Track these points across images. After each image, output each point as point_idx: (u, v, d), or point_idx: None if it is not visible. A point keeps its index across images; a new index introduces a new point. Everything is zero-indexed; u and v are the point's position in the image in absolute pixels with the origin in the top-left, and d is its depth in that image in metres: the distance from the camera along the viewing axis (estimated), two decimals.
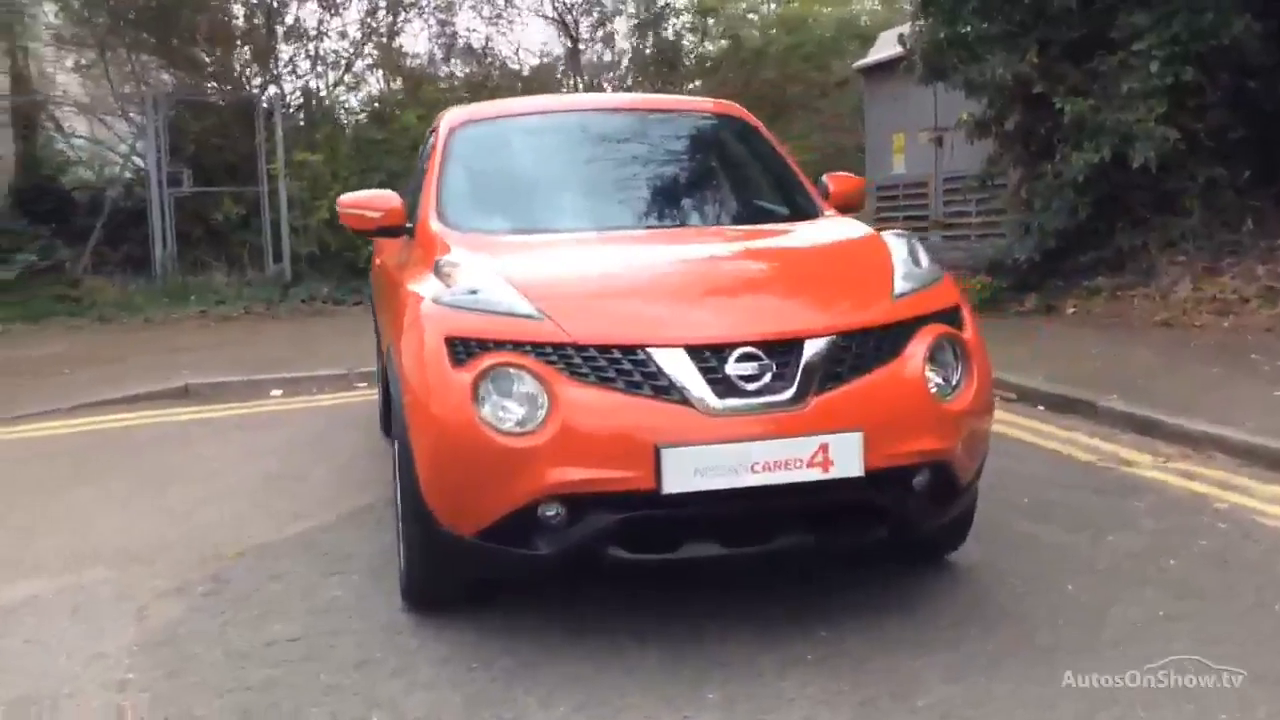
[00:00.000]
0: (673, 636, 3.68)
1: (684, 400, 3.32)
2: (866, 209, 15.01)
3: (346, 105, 15.49)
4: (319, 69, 15.10)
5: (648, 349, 3.36)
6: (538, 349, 3.41)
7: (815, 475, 3.34)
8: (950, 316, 3.77)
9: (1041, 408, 7.02)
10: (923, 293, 3.76)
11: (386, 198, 4.58)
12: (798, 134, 15.93)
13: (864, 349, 3.51)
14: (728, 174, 4.93)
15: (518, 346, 3.42)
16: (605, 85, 15.30)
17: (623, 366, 3.36)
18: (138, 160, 13.87)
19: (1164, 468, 5.57)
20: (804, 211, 4.63)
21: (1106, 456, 5.83)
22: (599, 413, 3.32)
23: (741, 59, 15.26)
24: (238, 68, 14.57)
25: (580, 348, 3.39)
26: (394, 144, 13.51)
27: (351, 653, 3.67)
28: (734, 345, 3.38)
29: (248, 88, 14.49)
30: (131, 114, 13.69)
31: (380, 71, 15.85)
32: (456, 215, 4.46)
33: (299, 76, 14.92)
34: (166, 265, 13.19)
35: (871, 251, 3.98)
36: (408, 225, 4.60)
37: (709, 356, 3.37)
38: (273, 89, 14.42)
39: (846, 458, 3.35)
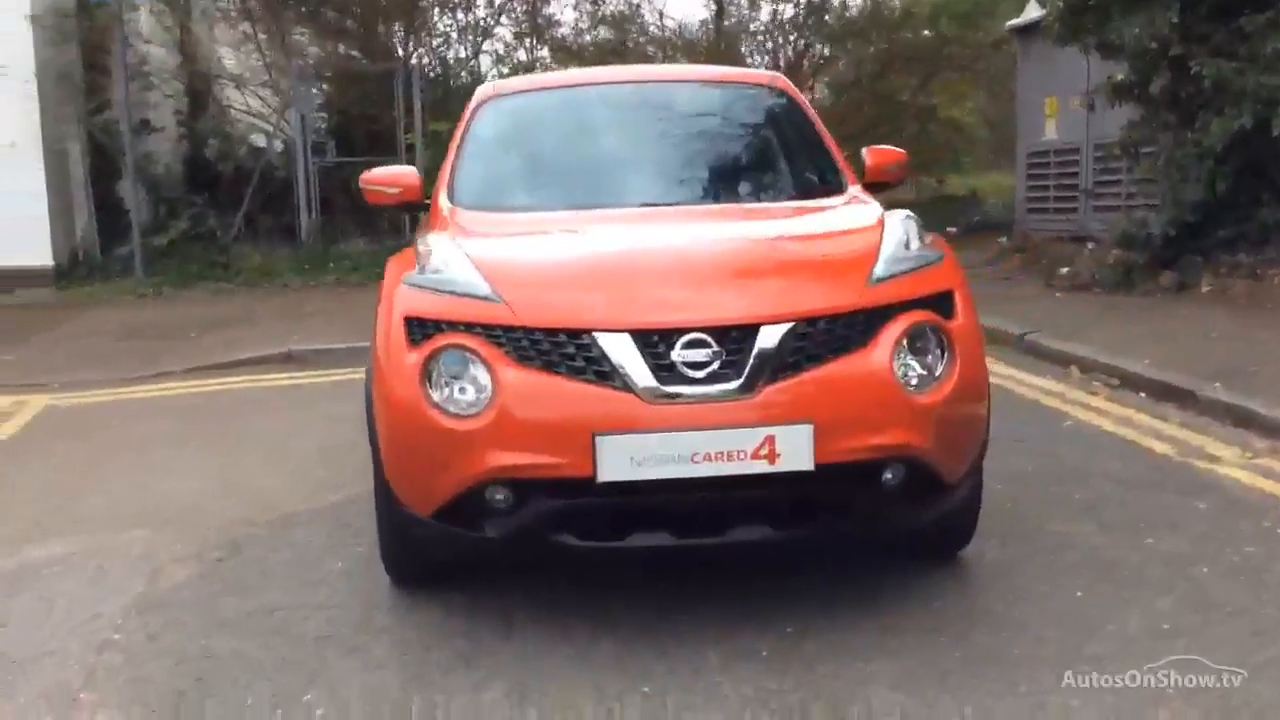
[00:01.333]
0: (632, 625, 3.61)
1: (626, 387, 3.22)
2: (1016, 176, 14.55)
3: (491, 75, 15.68)
4: (466, 38, 15.36)
5: (593, 334, 3.28)
6: (488, 331, 3.37)
7: (761, 468, 3.20)
8: (938, 302, 3.54)
9: (1143, 395, 6.59)
10: (906, 277, 3.55)
11: (406, 174, 4.61)
12: (951, 97, 15.35)
13: (827, 337, 3.34)
14: (751, 149, 4.76)
15: (470, 328, 3.39)
16: (744, 51, 15.05)
17: (567, 351, 3.29)
18: (286, 131, 14.39)
19: (1247, 464, 5.16)
20: (824, 189, 4.44)
21: (1188, 450, 5.42)
22: (539, 397, 3.27)
23: (888, 19, 14.75)
24: (385, 38, 14.89)
25: (528, 331, 3.33)
26: None
27: (320, 628, 3.73)
28: (682, 331, 3.27)
29: (394, 58, 14.82)
30: (281, 85, 14.20)
31: (528, 41, 16.01)
32: (467, 191, 4.45)
33: (447, 46, 15.19)
34: (310, 233, 13.67)
35: (861, 233, 3.77)
36: (425, 201, 4.62)
37: (657, 342, 3.26)
38: (417, 59, 14.71)
39: (794, 450, 3.21)
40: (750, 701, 3.13)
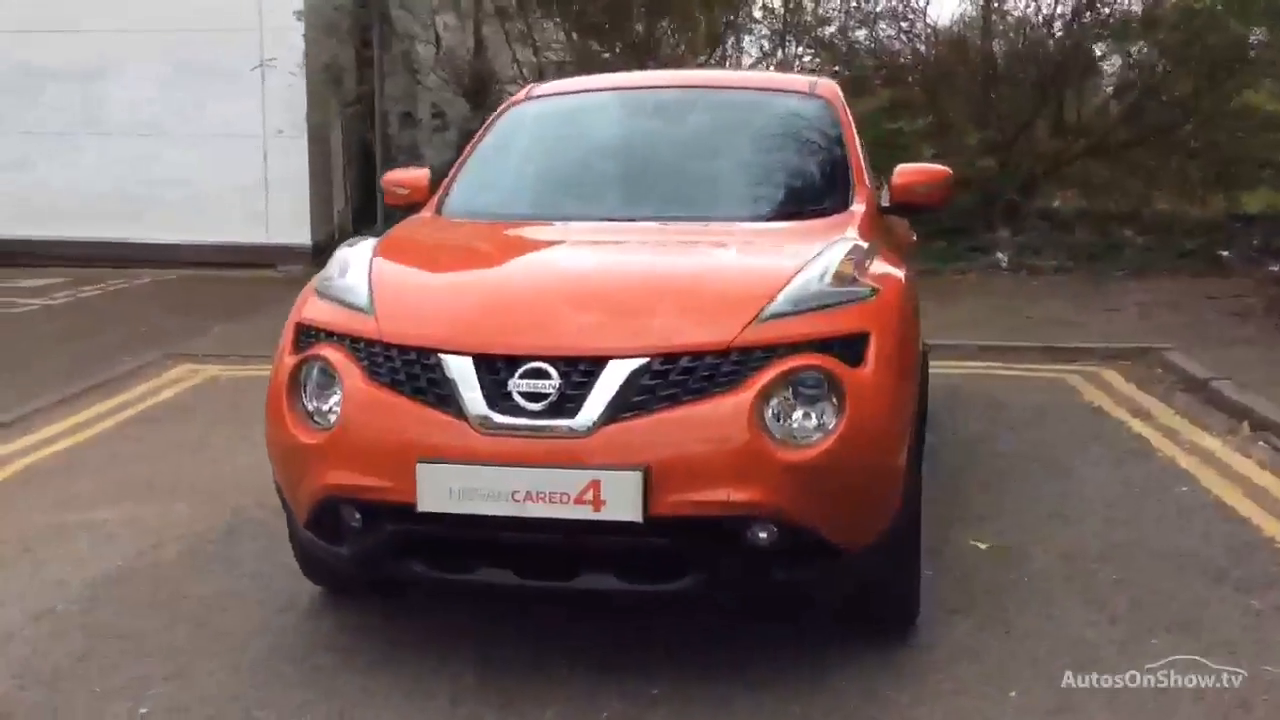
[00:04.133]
0: (500, 664, 3.45)
1: (461, 414, 3.07)
2: None
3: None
4: (727, 36, 15.16)
5: (440, 355, 3.14)
6: (353, 344, 3.30)
7: (585, 514, 2.97)
8: (843, 346, 3.15)
9: None
10: (805, 316, 3.17)
11: (417, 175, 4.60)
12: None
13: (686, 376, 3.04)
14: (753, 163, 4.40)
15: (341, 339, 3.34)
16: (1000, 48, 14.02)
17: (414, 371, 3.17)
18: None
19: None
20: (818, 208, 4.05)
21: None
22: (375, 417, 3.17)
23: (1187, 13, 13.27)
24: (640, 35, 14.92)
25: (385, 347, 3.24)
26: None
27: (227, 621, 3.80)
28: (522, 359, 3.07)
29: (646, 55, 14.87)
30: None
31: (794, 44, 15.63)
32: (455, 195, 4.41)
33: (699, 42, 15.03)
34: None
35: (787, 263, 3.41)
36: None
37: (500, 369, 3.08)
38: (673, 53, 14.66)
39: (621, 498, 2.95)
40: None
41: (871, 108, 12.54)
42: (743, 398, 3.01)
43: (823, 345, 3.13)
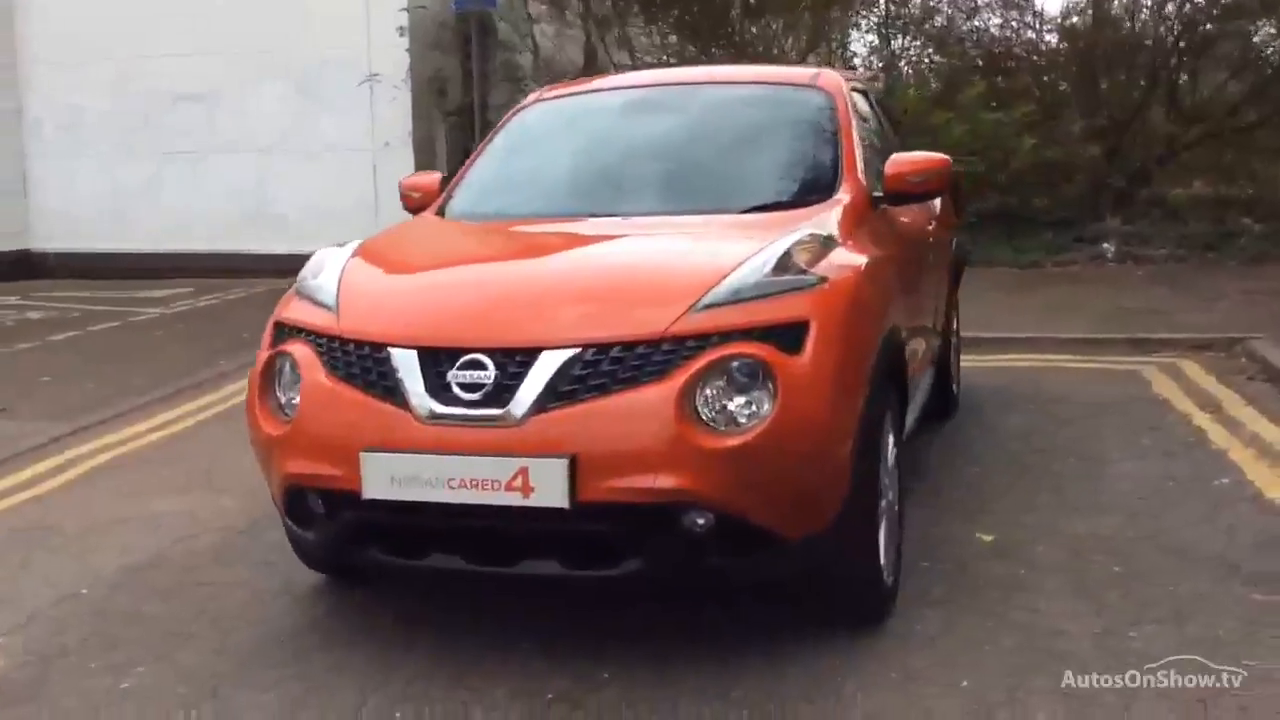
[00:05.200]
0: (479, 643, 3.59)
1: (405, 405, 3.19)
2: None
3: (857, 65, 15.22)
4: (827, 33, 15.01)
5: (388, 348, 3.27)
6: (317, 340, 3.46)
7: (514, 500, 3.06)
8: (781, 334, 3.15)
9: None
10: (742, 305, 3.19)
11: (429, 179, 4.74)
12: None
13: (617, 366, 3.10)
14: (745, 156, 4.37)
15: (309, 335, 3.50)
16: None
17: (366, 364, 3.31)
18: None
19: None
20: (805, 200, 4.03)
21: None
22: (327, 408, 3.32)
23: None
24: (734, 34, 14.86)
25: (343, 342, 3.39)
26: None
27: (226, 606, 4.00)
28: (461, 351, 3.18)
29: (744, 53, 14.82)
30: None
31: (900, 37, 15.40)
32: (461, 197, 4.54)
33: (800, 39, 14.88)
34: None
35: (730, 252, 3.42)
36: None
37: (442, 360, 3.19)
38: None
39: (548, 485, 3.03)
40: None
41: (970, 97, 12.33)
42: (670, 386, 3.05)
43: (762, 334, 3.15)
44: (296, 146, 13.56)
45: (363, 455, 3.16)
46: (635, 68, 13.58)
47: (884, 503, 3.62)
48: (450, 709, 3.20)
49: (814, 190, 4.10)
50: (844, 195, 4.05)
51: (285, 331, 3.60)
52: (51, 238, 14.64)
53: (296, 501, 3.48)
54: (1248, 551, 4.13)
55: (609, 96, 4.96)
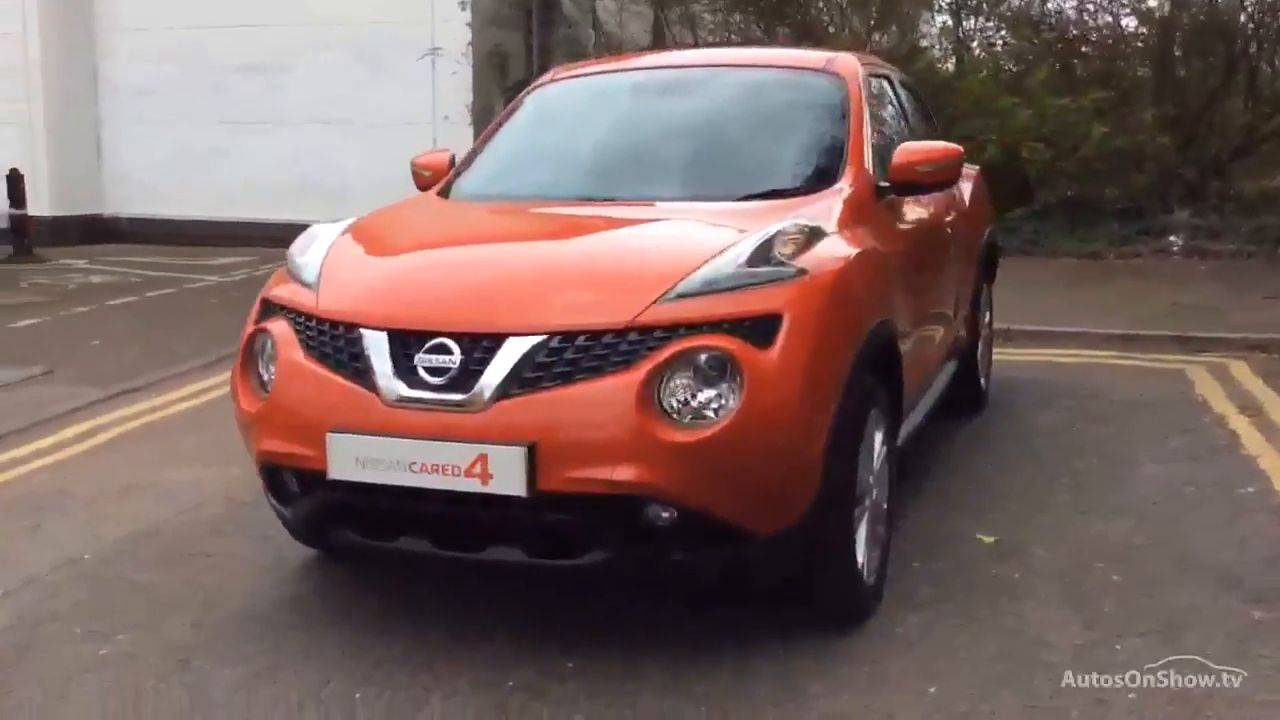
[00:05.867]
0: (450, 629, 3.58)
1: (373, 386, 3.18)
2: None
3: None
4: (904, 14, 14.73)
5: (360, 329, 3.26)
6: (297, 318, 3.47)
7: (474, 486, 3.04)
8: (751, 327, 3.09)
9: None
10: (713, 296, 3.13)
11: (439, 158, 4.72)
12: None
13: (581, 355, 3.06)
14: (747, 142, 4.27)
15: (290, 313, 3.51)
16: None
17: (339, 344, 3.31)
18: None
19: None
20: (803, 188, 3.94)
21: None
22: (300, 388, 3.33)
23: None
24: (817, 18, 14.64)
25: (319, 321, 3.39)
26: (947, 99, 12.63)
27: (216, 578, 4.04)
28: (429, 334, 3.16)
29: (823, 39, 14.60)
30: None
31: (974, 18, 15.05)
32: (467, 177, 4.52)
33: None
34: None
35: (709, 241, 3.36)
36: None
37: (411, 343, 3.18)
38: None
39: (507, 473, 3.01)
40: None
41: (1038, 81, 12.03)
42: (633, 377, 3.00)
43: (732, 326, 3.08)
44: (358, 118, 13.67)
45: (329, 436, 3.17)
46: (696, 46, 13.48)
47: (867, 501, 3.54)
48: (411, 694, 3.20)
49: (815, 178, 4.00)
50: (846, 184, 3.95)
51: (270, 308, 3.61)
52: (123, 203, 14.96)
53: (274, 479, 3.50)
54: (1257, 565, 3.98)
55: (620, 78, 4.90)
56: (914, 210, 4.43)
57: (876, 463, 3.65)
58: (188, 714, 3.14)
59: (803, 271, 3.24)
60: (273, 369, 3.46)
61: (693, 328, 3.07)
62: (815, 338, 3.16)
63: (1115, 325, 7.97)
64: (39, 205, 13.90)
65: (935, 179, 4.13)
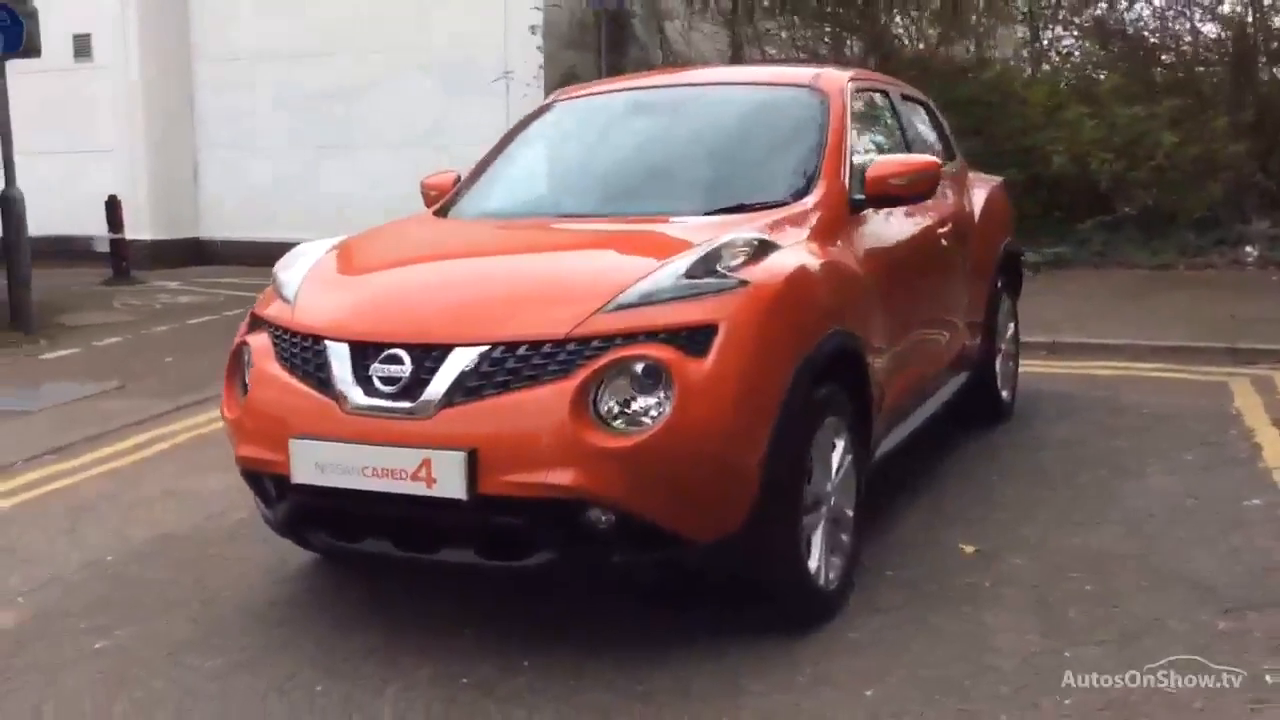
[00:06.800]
0: (422, 626, 3.75)
1: (334, 395, 3.38)
2: None
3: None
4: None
5: (326, 341, 3.46)
6: (274, 331, 3.69)
7: (419, 490, 3.21)
8: (687, 337, 3.21)
9: None
10: (651, 307, 3.25)
11: (445, 178, 4.95)
12: None
13: (522, 364, 3.21)
14: (722, 158, 4.38)
15: (269, 326, 3.73)
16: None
17: (307, 355, 3.51)
18: None
19: None
20: (771, 203, 4.02)
21: None
22: (269, 396, 3.54)
23: None
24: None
25: (291, 333, 3.60)
26: (1002, 107, 12.50)
27: (220, 578, 4.27)
28: (384, 346, 3.35)
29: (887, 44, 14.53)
30: None
31: (1053, 28, 14.85)
32: (464, 197, 4.72)
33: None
34: None
35: (648, 256, 3.50)
36: None
37: (369, 354, 3.37)
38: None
39: (449, 477, 3.17)
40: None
41: (1107, 91, 11.86)
42: (567, 385, 3.15)
43: (669, 337, 3.21)
44: (437, 140, 14.03)
45: (291, 442, 3.37)
46: (764, 61, 13.58)
47: (824, 509, 3.62)
48: (371, 686, 3.37)
49: (786, 192, 4.09)
50: (815, 198, 4.03)
51: (256, 322, 3.84)
52: (217, 226, 15.58)
53: (257, 484, 3.72)
54: (1239, 577, 3.94)
55: (613, 99, 5.06)
56: (899, 222, 4.49)
57: (839, 471, 3.72)
58: (160, 701, 3.36)
59: (744, 283, 3.35)
60: (245, 379, 3.68)
61: (630, 338, 3.20)
62: (752, 347, 3.26)
63: (1167, 337, 7.83)
64: (139, 230, 14.56)
65: (910, 191, 4.19)
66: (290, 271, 3.89)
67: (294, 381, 3.49)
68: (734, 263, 3.41)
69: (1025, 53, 14.89)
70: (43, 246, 13.93)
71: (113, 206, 13.54)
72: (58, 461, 6.08)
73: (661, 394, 3.16)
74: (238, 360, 3.78)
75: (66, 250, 14.54)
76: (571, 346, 3.20)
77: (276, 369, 3.56)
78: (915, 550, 4.28)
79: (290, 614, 3.93)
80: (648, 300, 3.27)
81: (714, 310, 3.26)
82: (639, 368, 3.17)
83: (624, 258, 3.65)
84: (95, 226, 14.18)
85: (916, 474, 5.08)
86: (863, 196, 4.17)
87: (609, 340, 3.20)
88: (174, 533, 4.81)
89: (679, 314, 3.24)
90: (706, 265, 3.36)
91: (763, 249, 3.52)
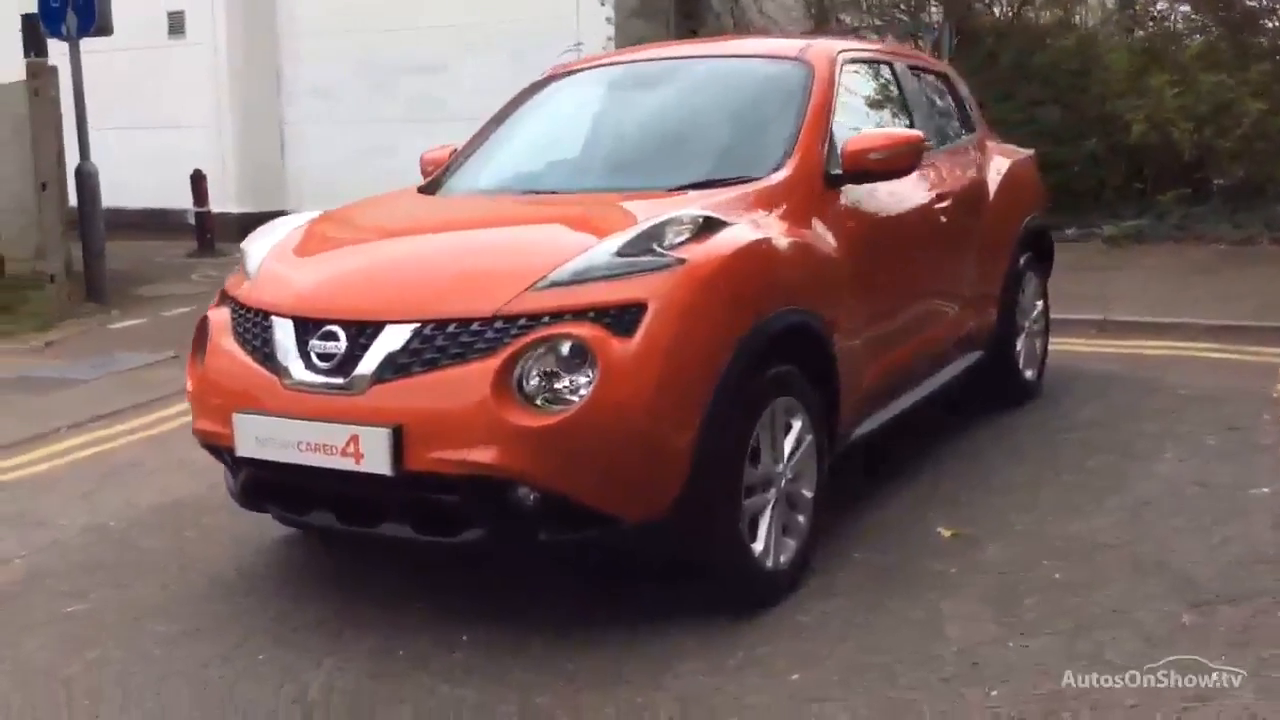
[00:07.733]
0: (376, 601, 3.79)
1: (277, 370, 3.43)
2: None
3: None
4: None
5: (273, 317, 3.51)
6: (233, 305, 3.75)
7: (348, 465, 3.25)
8: (615, 317, 3.17)
9: None
10: (584, 285, 3.23)
11: (441, 154, 4.97)
12: None
13: (450, 342, 3.22)
14: (696, 132, 4.31)
15: (230, 301, 3.80)
16: None
17: (256, 330, 3.57)
18: None
19: None
20: (735, 178, 3.93)
21: None
22: (219, 371, 3.61)
23: None
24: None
25: (245, 309, 3.66)
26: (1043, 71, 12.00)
27: (201, 549, 4.37)
28: (323, 322, 3.38)
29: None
30: None
31: None
32: (450, 172, 4.73)
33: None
34: None
35: (588, 233, 3.47)
36: None
37: (310, 330, 3.41)
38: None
39: (375, 453, 3.20)
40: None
41: (1189, 57, 11.37)
42: (491, 363, 3.14)
43: (596, 315, 3.18)
44: None
45: (234, 416, 3.43)
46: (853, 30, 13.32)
47: (773, 491, 3.56)
48: (312, 656, 3.43)
49: (757, 167, 4.01)
50: (785, 173, 3.95)
51: (224, 298, 3.91)
52: (303, 199, 15.87)
53: (218, 456, 3.80)
54: (1223, 568, 3.77)
55: (606, 73, 5.01)
56: (886, 198, 4.36)
57: (794, 452, 3.65)
58: (109, 664, 3.46)
59: (681, 261, 3.30)
60: (203, 354, 3.76)
61: (556, 316, 3.18)
62: (681, 326, 3.21)
63: (1227, 316, 7.50)
64: (227, 203, 14.94)
65: (890, 166, 4.07)
66: (255, 245, 3.95)
67: (243, 356, 3.55)
68: (676, 240, 3.36)
69: (1115, 20, 14.33)
70: (138, 219, 14.49)
71: (197, 181, 13.89)
72: (101, 428, 6.29)
73: (588, 373, 3.13)
74: (199, 335, 3.86)
75: (162, 223, 15.01)
76: (499, 325, 3.20)
77: (230, 344, 3.63)
78: (894, 533, 4.18)
79: (255, 584, 4.01)
80: (579, 279, 3.25)
81: (643, 289, 3.22)
82: (564, 347, 3.15)
83: (567, 234, 3.64)
84: (188, 200, 14.60)
85: (921, 455, 4.97)
86: (840, 171, 4.06)
87: (536, 319, 3.19)
88: (175, 501, 4.93)
89: (609, 292, 3.21)
90: (643, 243, 3.32)
91: (708, 226, 3.45)
